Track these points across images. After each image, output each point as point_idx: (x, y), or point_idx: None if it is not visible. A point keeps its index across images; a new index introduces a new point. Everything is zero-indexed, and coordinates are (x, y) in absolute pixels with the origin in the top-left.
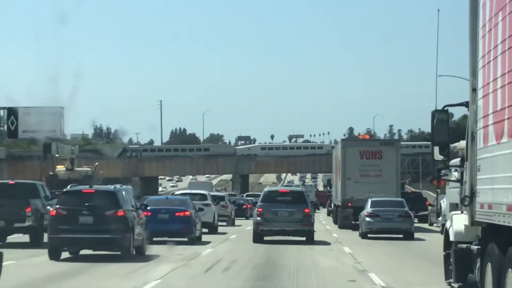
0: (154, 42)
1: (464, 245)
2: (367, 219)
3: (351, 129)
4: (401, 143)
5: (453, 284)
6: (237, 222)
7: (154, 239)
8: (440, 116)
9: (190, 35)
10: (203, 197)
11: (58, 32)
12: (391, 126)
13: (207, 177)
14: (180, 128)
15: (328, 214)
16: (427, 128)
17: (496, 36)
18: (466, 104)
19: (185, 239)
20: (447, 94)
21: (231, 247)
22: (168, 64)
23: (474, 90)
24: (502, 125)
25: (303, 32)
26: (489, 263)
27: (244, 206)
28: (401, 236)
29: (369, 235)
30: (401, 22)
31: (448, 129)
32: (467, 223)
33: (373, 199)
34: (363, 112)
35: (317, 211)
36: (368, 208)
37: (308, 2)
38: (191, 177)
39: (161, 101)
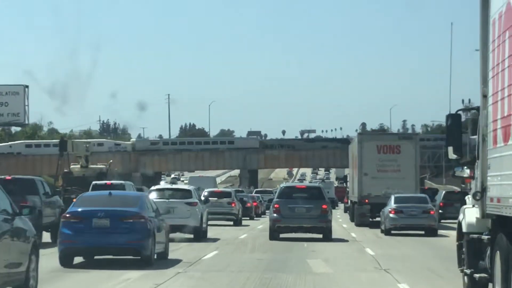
0: (161, 36)
1: (475, 236)
2: (391, 215)
3: (363, 125)
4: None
5: (465, 271)
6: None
7: (96, 257)
8: (454, 119)
9: (198, 30)
10: (186, 193)
11: (64, 24)
12: (404, 121)
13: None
14: (190, 124)
15: (345, 211)
16: (442, 119)
17: (504, 51)
18: (477, 109)
19: (138, 258)
20: (460, 89)
21: (192, 285)
22: (177, 59)
23: (484, 96)
24: (509, 128)
25: (314, 26)
26: (498, 252)
27: (248, 204)
28: (422, 232)
29: (392, 232)
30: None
31: (461, 131)
32: (478, 215)
33: (396, 195)
34: (376, 107)
35: (336, 207)
36: (392, 205)
37: None
38: (173, 174)
39: (169, 95)
